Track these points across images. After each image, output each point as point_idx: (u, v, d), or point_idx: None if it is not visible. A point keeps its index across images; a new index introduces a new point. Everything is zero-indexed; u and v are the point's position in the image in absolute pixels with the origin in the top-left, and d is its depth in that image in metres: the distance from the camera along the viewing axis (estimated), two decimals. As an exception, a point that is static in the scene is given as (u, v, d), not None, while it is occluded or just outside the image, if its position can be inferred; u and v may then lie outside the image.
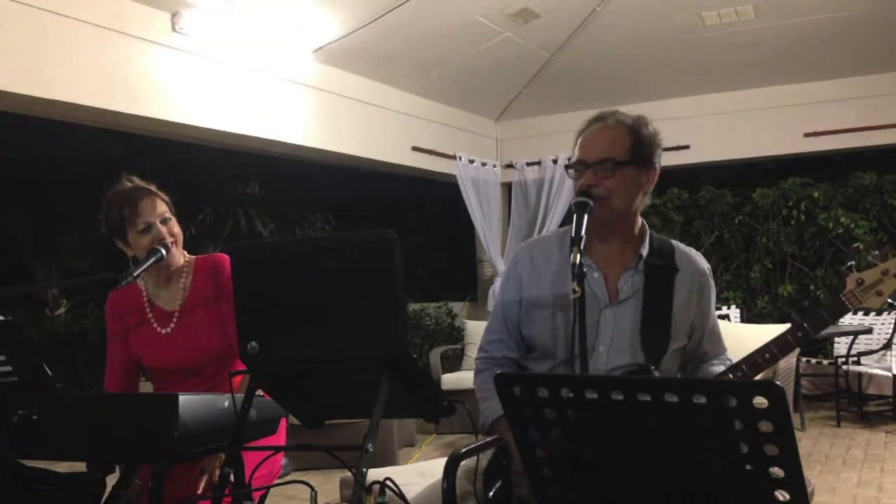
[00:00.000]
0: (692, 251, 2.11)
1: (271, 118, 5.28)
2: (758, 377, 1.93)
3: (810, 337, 1.86)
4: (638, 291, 1.99)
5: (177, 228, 2.41)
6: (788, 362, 5.25)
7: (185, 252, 2.48)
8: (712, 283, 2.10)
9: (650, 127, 2.03)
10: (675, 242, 2.10)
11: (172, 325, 2.41)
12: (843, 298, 1.84)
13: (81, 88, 4.13)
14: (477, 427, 2.01)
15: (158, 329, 2.42)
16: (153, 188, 2.43)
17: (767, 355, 1.87)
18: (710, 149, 7.09)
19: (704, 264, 2.10)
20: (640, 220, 2.06)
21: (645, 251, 2.02)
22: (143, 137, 5.43)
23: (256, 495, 1.83)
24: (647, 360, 1.93)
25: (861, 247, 7.35)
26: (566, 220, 2.70)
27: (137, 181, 2.44)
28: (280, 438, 2.33)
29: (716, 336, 2.12)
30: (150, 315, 2.43)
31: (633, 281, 2.00)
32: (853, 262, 1.87)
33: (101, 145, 10.50)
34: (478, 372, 2.16)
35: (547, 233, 2.27)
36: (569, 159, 2.05)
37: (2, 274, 10.53)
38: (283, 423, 2.32)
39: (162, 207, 2.39)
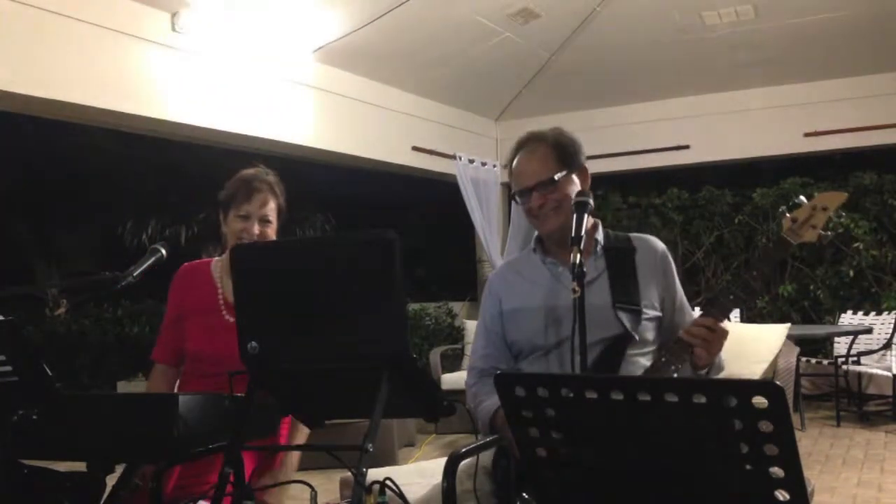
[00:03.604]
0: (647, 235, 2.26)
1: (271, 118, 5.28)
2: (757, 376, 1.95)
3: (764, 276, 2.03)
4: (602, 272, 2.12)
5: (270, 231, 2.41)
6: (788, 362, 5.24)
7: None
8: (671, 260, 2.24)
9: (566, 134, 2.20)
10: (629, 233, 2.25)
11: None
12: (785, 235, 2.02)
13: (81, 88, 4.14)
14: (477, 427, 2.05)
15: (228, 318, 2.37)
16: (276, 188, 2.45)
17: (731, 297, 1.98)
18: (710, 149, 7.10)
19: (661, 245, 2.24)
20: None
21: (600, 236, 2.17)
22: (143, 137, 5.44)
23: (257, 495, 1.83)
24: (626, 329, 2.03)
25: (861, 247, 7.36)
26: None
27: (269, 175, 2.47)
28: (280, 438, 2.32)
29: (685, 308, 2.22)
30: (221, 302, 2.41)
31: (596, 265, 2.13)
32: (784, 207, 2.07)
33: (101, 145, 10.50)
34: (470, 386, 2.22)
35: (513, 256, 2.47)
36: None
37: (2, 274, 10.53)
38: (283, 423, 2.32)
39: (269, 208, 2.40)
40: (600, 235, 2.18)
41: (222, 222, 2.43)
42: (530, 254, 2.24)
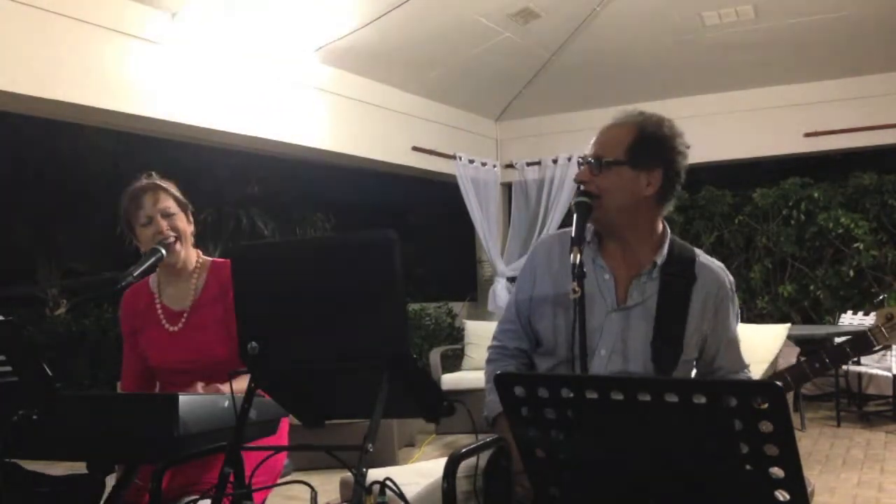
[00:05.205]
0: (715, 263, 2.02)
1: (272, 118, 5.28)
2: (757, 377, 1.92)
3: (828, 369, 1.80)
4: (649, 299, 1.93)
5: (182, 224, 2.39)
6: (788, 362, 5.24)
7: (200, 252, 2.48)
8: (734, 298, 2.02)
9: (663, 129, 1.97)
10: (698, 252, 2.03)
11: (181, 323, 2.40)
12: (870, 334, 1.76)
13: (81, 88, 4.13)
14: (477, 427, 1.97)
15: (168, 326, 2.41)
16: (163, 183, 2.42)
17: (781, 384, 1.85)
18: (710, 149, 7.07)
19: (726, 278, 2.02)
20: (659, 225, 2.00)
21: (661, 258, 1.95)
22: (143, 137, 5.44)
23: (257, 495, 1.83)
24: (657, 372, 1.87)
25: (861, 247, 7.36)
26: (566, 221, 2.66)
27: (150, 177, 2.44)
28: (280, 438, 2.32)
29: (733, 352, 2.03)
30: (159, 312, 2.43)
31: (646, 287, 1.94)
32: (885, 296, 1.78)
33: (101, 145, 10.49)
34: (489, 361, 2.15)
35: (559, 230, 2.21)
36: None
37: (2, 274, 10.53)
38: (283, 423, 2.32)
39: (167, 202, 2.37)
40: (662, 255, 1.95)
41: (136, 242, 2.41)
42: (569, 239, 1.94)
